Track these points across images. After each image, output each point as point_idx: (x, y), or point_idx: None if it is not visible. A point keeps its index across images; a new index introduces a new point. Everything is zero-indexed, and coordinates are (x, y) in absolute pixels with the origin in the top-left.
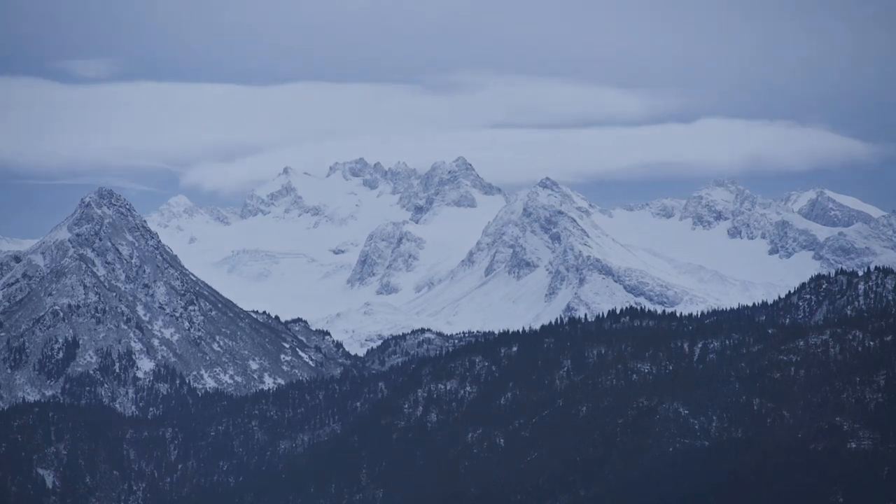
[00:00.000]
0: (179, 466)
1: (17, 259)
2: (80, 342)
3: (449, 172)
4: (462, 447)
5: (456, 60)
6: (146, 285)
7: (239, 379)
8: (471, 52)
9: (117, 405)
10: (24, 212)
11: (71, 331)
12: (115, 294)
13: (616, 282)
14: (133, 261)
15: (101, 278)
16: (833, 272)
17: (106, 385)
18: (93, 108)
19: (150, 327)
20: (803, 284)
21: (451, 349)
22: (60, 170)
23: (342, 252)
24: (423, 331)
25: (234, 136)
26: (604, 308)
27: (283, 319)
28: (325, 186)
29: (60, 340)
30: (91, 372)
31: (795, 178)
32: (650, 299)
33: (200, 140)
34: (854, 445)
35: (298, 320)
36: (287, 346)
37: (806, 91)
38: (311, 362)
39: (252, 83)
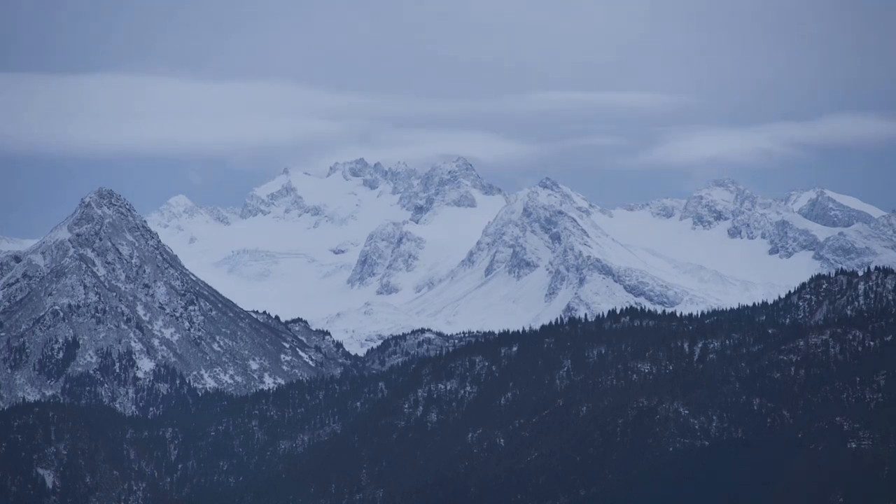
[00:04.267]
0: (179, 466)
1: (17, 259)
2: (80, 342)
3: (449, 172)
4: (462, 447)
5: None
6: (146, 285)
7: (239, 379)
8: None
9: (117, 405)
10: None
11: (71, 331)
12: (115, 294)
13: (616, 282)
14: (133, 261)
15: (102, 278)
16: (833, 272)
17: (106, 385)
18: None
19: (150, 327)
20: (803, 284)
21: (451, 349)
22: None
23: (342, 252)
24: (423, 331)
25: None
26: (604, 308)
27: (283, 319)
28: (325, 186)
29: (60, 340)
30: (91, 372)
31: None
32: (650, 299)
33: (202, 139)
34: (854, 445)
35: (298, 320)
36: (287, 346)
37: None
38: (311, 362)
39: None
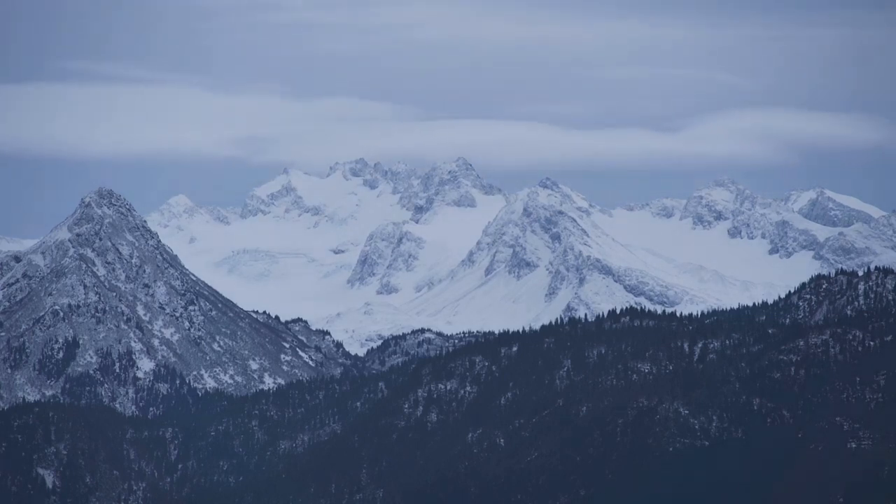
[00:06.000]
0: (179, 466)
1: (17, 259)
2: (80, 342)
3: (449, 172)
4: (462, 447)
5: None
6: (146, 285)
7: (239, 379)
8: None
9: (117, 405)
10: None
11: (71, 331)
12: (115, 294)
13: (616, 282)
14: (133, 261)
15: (102, 278)
16: (833, 272)
17: (106, 385)
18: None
19: (150, 327)
20: (803, 284)
21: (451, 349)
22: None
23: (342, 252)
24: (423, 331)
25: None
26: (604, 308)
27: (283, 319)
28: (325, 186)
29: (60, 340)
30: (91, 372)
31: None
32: (650, 299)
33: (202, 140)
34: (854, 445)
35: (298, 320)
36: (287, 346)
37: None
38: (311, 362)
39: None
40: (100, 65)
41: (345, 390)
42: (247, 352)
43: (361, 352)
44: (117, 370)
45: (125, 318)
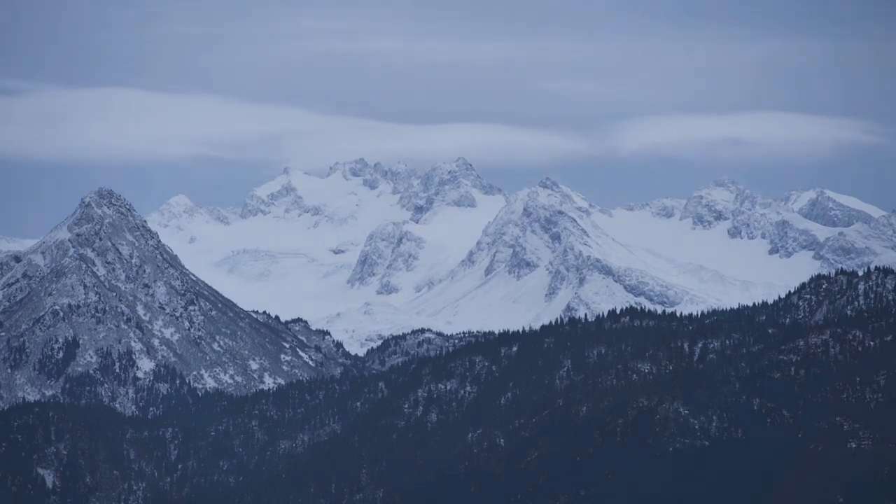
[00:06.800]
0: (179, 466)
1: (17, 259)
2: (80, 342)
3: (449, 172)
4: (462, 447)
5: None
6: (146, 285)
7: (239, 379)
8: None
9: (117, 405)
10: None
11: (71, 331)
12: (115, 294)
13: (616, 282)
14: (133, 261)
15: (102, 278)
16: (833, 272)
17: (106, 385)
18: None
19: (150, 327)
20: (803, 284)
21: (451, 349)
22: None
23: (342, 252)
24: (423, 331)
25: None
26: (604, 308)
27: (283, 319)
28: (325, 186)
29: (60, 340)
30: (91, 372)
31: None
32: (650, 299)
33: (201, 141)
34: (854, 445)
35: (298, 320)
36: (287, 346)
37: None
38: (311, 362)
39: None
40: (96, 70)
41: (345, 390)
42: (247, 352)
43: (361, 352)
44: (117, 370)
45: (125, 318)
